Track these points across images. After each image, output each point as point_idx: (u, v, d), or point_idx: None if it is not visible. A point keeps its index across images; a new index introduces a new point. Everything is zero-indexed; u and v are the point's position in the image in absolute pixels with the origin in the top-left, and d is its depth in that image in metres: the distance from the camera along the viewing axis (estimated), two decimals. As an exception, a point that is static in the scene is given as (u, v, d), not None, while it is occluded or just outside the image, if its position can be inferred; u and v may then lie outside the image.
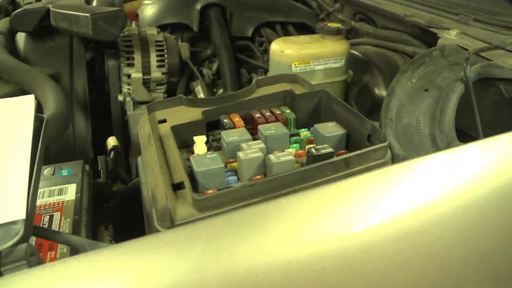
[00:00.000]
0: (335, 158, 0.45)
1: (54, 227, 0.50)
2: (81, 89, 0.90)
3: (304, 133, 0.57)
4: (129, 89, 1.08)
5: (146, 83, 1.08)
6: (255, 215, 0.34)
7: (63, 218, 0.52)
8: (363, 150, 0.45)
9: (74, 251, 0.39)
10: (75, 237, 0.39)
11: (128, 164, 1.13)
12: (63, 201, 0.55)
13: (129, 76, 1.07)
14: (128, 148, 1.15)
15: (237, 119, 0.56)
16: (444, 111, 0.55)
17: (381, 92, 0.92)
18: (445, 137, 0.54)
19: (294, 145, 0.54)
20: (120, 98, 1.09)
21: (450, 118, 0.55)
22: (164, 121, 0.58)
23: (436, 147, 0.55)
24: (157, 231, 0.40)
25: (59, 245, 0.47)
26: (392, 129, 0.59)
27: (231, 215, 0.34)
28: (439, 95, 0.60)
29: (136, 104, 1.06)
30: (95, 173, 0.69)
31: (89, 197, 0.58)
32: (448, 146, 0.54)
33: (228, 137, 0.51)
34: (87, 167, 0.64)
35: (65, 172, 0.61)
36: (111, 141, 0.82)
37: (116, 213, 0.69)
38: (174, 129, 0.54)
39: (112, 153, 0.80)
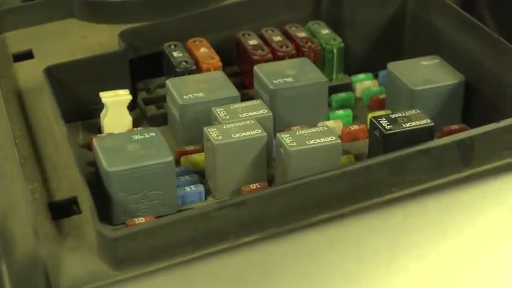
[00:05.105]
0: (438, 142, 0.45)
1: None
2: None
3: (365, 83, 0.58)
4: None
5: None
6: (248, 273, 0.35)
7: None
8: (502, 124, 0.46)
9: None
10: None
11: None
12: None
13: None
14: None
15: (203, 50, 0.57)
16: None
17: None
18: None
19: (341, 112, 0.55)
20: None
21: None
22: (29, 56, 0.60)
23: None
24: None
25: None
26: None
27: (191, 276, 0.35)
28: None
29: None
30: None
31: None
32: None
33: (184, 93, 0.52)
34: None
35: None
36: None
37: None
38: (54, 74, 0.54)
39: None
